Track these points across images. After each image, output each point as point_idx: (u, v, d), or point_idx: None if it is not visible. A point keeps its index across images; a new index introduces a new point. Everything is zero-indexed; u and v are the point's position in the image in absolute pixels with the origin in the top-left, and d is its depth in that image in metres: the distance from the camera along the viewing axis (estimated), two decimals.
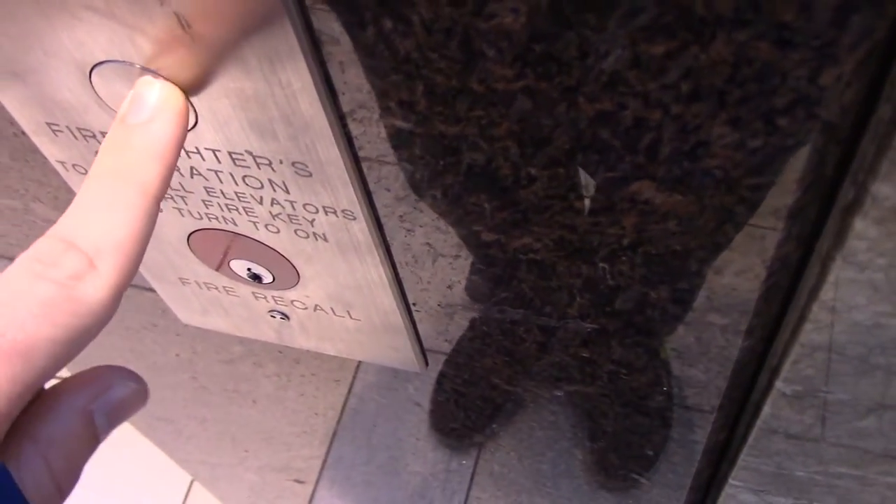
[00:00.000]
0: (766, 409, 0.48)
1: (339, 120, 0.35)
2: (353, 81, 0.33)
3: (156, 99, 0.32)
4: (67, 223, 0.29)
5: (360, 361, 0.64)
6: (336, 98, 0.34)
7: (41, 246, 0.28)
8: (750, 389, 0.49)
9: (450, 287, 0.45)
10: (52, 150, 0.43)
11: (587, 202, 0.36)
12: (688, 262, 0.37)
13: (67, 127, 0.41)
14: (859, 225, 0.32)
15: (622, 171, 0.33)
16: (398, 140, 0.35)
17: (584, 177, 0.34)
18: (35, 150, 0.46)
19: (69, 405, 0.26)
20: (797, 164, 0.31)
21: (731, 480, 0.59)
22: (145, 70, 0.35)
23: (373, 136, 0.36)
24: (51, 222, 0.51)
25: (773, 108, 0.28)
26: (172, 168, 0.31)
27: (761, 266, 0.36)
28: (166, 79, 0.34)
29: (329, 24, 0.31)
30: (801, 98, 0.28)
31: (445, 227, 0.40)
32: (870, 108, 0.29)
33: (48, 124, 0.41)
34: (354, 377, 0.66)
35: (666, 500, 0.66)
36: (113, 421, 0.27)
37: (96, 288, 0.26)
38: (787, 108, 0.28)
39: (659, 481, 0.62)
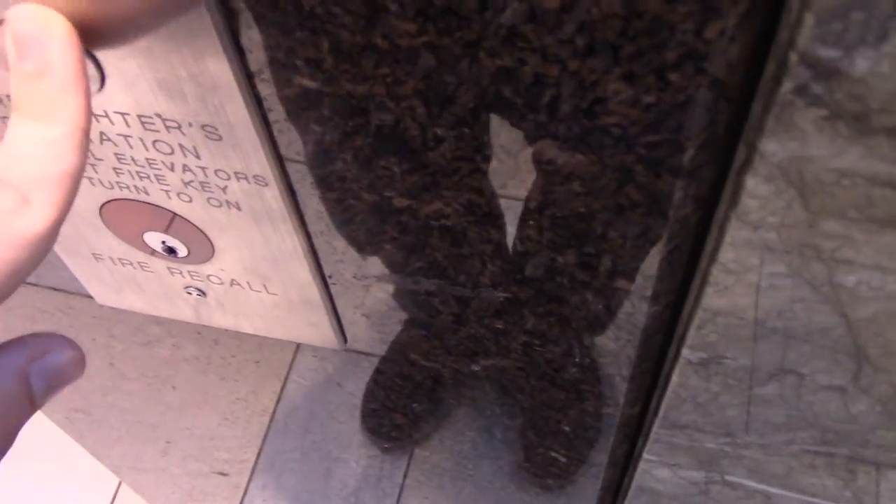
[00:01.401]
0: (675, 378, 0.49)
1: (248, 80, 0.35)
2: (260, 39, 0.33)
3: (38, 34, 0.30)
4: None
5: (288, 346, 0.63)
6: (244, 56, 0.34)
7: None
8: (661, 359, 0.50)
9: (365, 258, 0.45)
10: None
11: (491, 164, 0.36)
12: (592, 225, 0.38)
13: None
14: (750, 183, 0.34)
15: (525, 130, 0.34)
16: (306, 101, 0.36)
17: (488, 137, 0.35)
18: None
19: (6, 364, 0.26)
20: (690, 122, 0.32)
21: (645, 455, 0.60)
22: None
23: (280, 98, 0.36)
24: None
25: (663, 62, 0.29)
26: (87, 91, 0.30)
27: (662, 226, 0.37)
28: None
29: None
30: (688, 52, 0.29)
31: (357, 192, 0.40)
32: (759, 68, 0.31)
33: None
34: (289, 369, 0.66)
35: (584, 477, 0.67)
36: (51, 387, 0.27)
37: (33, 222, 0.26)
38: (676, 63, 0.29)
39: (576, 458, 0.63)
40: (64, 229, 0.49)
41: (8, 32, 0.30)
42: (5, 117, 0.42)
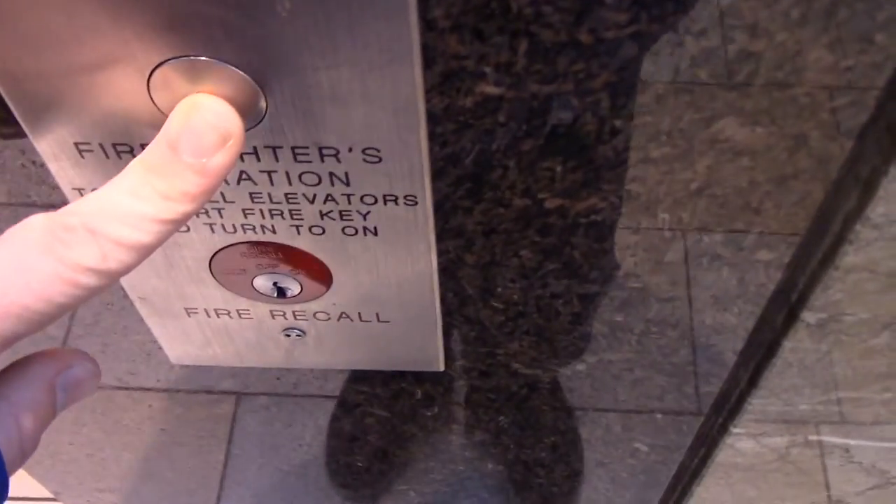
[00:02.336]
0: (787, 344, 0.51)
1: (425, 95, 0.35)
2: (450, 49, 0.33)
3: (214, 137, 0.31)
4: (100, 209, 0.29)
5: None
6: (429, 69, 0.34)
7: (66, 220, 0.28)
8: (769, 328, 0.51)
9: (496, 264, 0.45)
10: (71, 175, 0.39)
11: (664, 150, 0.37)
12: (750, 199, 0.40)
13: (100, 144, 0.38)
14: None
15: (711, 111, 0.35)
16: (484, 109, 0.35)
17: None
18: (41, 183, 0.42)
19: (39, 374, 0.28)
20: (880, 82, 0.33)
21: (732, 429, 0.62)
22: (215, 63, 0.33)
23: (453, 109, 0.36)
24: None
25: (872, 26, 0.31)
26: (215, 191, 0.31)
27: (821, 190, 0.39)
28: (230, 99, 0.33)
29: None
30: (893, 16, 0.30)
31: (509, 200, 0.40)
32: None
33: (76, 144, 0.38)
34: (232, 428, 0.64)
35: (662, 467, 0.68)
36: (71, 397, 0.29)
37: (97, 279, 0.28)
38: (885, 24, 0.31)
39: (660, 445, 0.64)
40: (158, 287, 0.47)
41: (184, 112, 0.30)
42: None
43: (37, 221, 0.28)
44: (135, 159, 0.30)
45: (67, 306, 0.27)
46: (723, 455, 0.65)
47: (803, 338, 0.50)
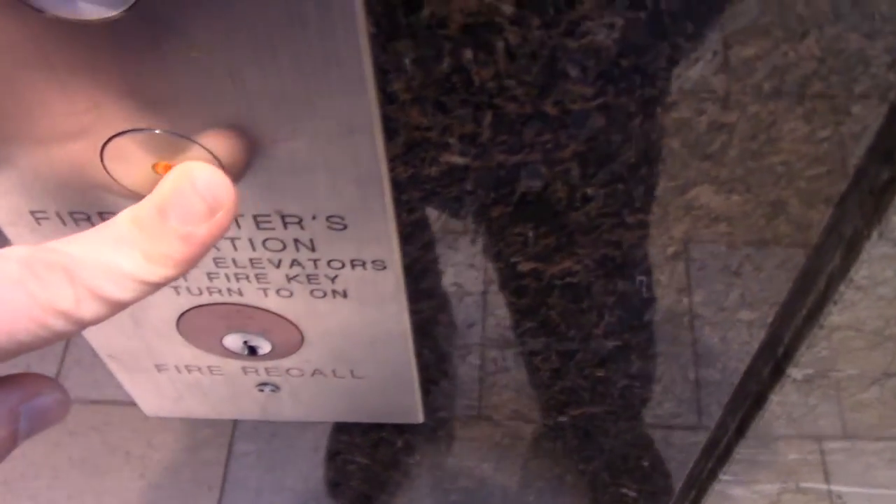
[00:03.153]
0: (774, 397, 0.50)
1: (389, 164, 0.34)
2: (412, 121, 0.32)
3: (203, 207, 0.29)
4: (84, 255, 0.27)
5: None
6: (391, 140, 0.33)
7: (48, 257, 0.26)
8: (755, 381, 0.50)
9: (470, 326, 0.44)
10: (28, 240, 0.38)
11: (639, 216, 0.36)
12: (729, 262, 0.38)
13: (57, 213, 0.36)
14: None
15: (684, 179, 0.34)
16: (450, 178, 0.34)
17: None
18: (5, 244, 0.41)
19: (1, 400, 0.27)
20: (857, 150, 0.32)
21: (721, 476, 0.61)
22: (168, 136, 0.32)
23: (418, 178, 0.35)
24: None
25: (849, 97, 0.30)
26: (200, 259, 0.29)
27: (802, 255, 0.38)
28: (212, 154, 0.31)
29: (398, 59, 0.29)
30: (876, 85, 0.29)
31: (480, 264, 0.39)
32: None
33: (32, 213, 0.36)
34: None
35: None
36: (34, 427, 0.28)
37: (65, 324, 0.26)
38: (863, 95, 0.30)
39: (648, 490, 0.63)
40: (126, 345, 0.46)
41: (174, 178, 0.29)
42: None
43: (17, 252, 0.26)
44: (126, 210, 0.29)
45: (28, 346, 0.26)
46: (712, 500, 0.64)
47: (790, 392, 0.49)
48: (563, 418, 0.53)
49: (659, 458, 0.57)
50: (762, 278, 0.39)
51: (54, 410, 0.28)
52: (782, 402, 0.50)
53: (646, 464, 0.58)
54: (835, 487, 0.61)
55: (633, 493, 0.63)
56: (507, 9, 0.27)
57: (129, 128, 0.32)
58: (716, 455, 0.59)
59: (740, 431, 0.55)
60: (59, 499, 0.70)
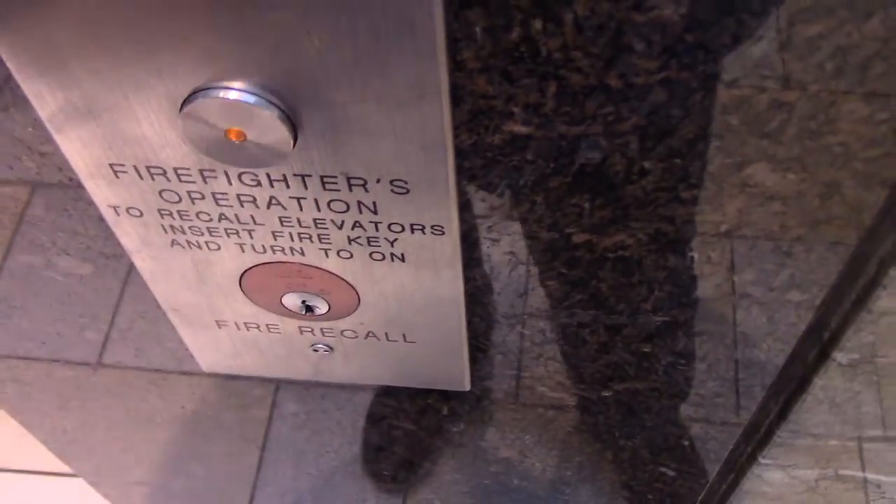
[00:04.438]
0: (818, 381, 0.50)
1: (453, 131, 0.35)
2: (479, 89, 0.33)
3: None
4: None
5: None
6: (457, 107, 0.34)
7: None
8: (800, 364, 0.51)
9: (521, 296, 0.45)
10: (106, 193, 0.40)
11: (696, 192, 0.37)
12: (781, 242, 0.39)
13: (134, 166, 0.38)
14: None
15: (741, 156, 0.35)
16: (511, 147, 0.35)
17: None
18: (77, 199, 0.43)
19: None
20: None
21: (760, 459, 0.61)
22: (243, 97, 0.33)
23: (481, 146, 0.36)
24: (72, 275, 0.48)
25: None
26: None
27: (854, 236, 0.38)
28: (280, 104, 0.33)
29: (469, 27, 0.31)
30: None
31: (535, 233, 0.40)
32: None
33: (111, 165, 0.38)
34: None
35: (685, 489, 0.68)
36: None
37: None
38: None
39: (687, 471, 0.64)
40: (190, 299, 0.48)
41: None
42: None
43: None
44: None
45: None
46: (750, 484, 0.64)
47: (834, 376, 0.49)
48: (606, 393, 0.54)
49: (702, 438, 0.58)
50: (813, 260, 0.40)
51: None
52: (826, 387, 0.50)
53: (686, 443, 0.59)
54: (872, 476, 0.61)
55: (671, 472, 0.64)
56: None
57: (209, 87, 0.33)
58: (756, 438, 0.59)
59: (782, 415, 0.55)
60: (115, 451, 0.73)
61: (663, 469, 0.64)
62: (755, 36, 0.29)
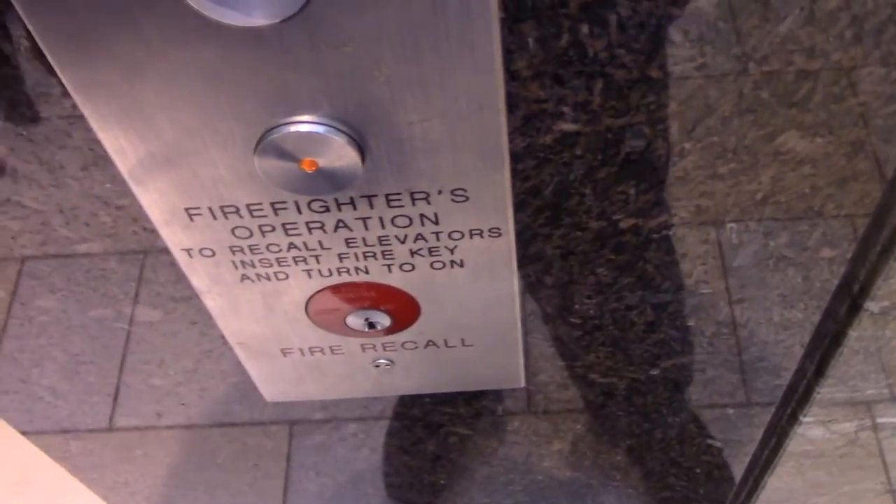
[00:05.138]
0: (852, 333, 0.53)
1: (508, 136, 0.38)
2: (531, 94, 0.36)
3: None
4: None
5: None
6: (510, 114, 0.37)
7: None
8: (833, 319, 0.54)
9: (569, 285, 0.48)
10: (181, 237, 0.43)
11: (731, 166, 0.40)
12: (813, 203, 0.42)
13: (209, 208, 0.41)
14: None
15: (773, 127, 0.38)
16: (561, 144, 0.38)
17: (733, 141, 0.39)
18: (150, 247, 0.46)
19: None
20: None
21: (801, 418, 0.64)
22: (315, 131, 0.36)
23: (533, 147, 0.39)
24: (140, 323, 0.50)
25: None
26: None
27: (879, 189, 0.41)
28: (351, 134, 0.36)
29: (522, 39, 0.34)
30: None
31: (585, 223, 0.43)
32: None
33: (187, 209, 0.41)
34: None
35: (733, 461, 0.71)
36: None
37: None
38: None
39: (733, 439, 0.67)
40: (256, 331, 0.50)
41: None
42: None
43: None
44: None
45: None
46: (794, 444, 0.67)
47: (867, 326, 0.52)
48: (654, 371, 0.57)
49: (745, 405, 0.61)
50: (842, 216, 0.43)
51: None
52: (860, 338, 0.53)
53: (731, 412, 0.62)
54: None
55: (718, 444, 0.67)
56: None
57: (282, 123, 0.36)
58: (795, 398, 0.62)
59: (819, 371, 0.58)
60: (177, 498, 0.75)
61: (710, 441, 0.67)
62: (780, 14, 0.32)
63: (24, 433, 0.64)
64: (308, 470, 0.70)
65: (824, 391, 0.60)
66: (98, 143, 0.37)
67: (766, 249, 0.45)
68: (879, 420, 0.65)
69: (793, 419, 0.65)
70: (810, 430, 0.65)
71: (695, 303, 0.50)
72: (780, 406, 0.63)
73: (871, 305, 0.50)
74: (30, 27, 0.31)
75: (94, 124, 0.36)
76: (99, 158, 0.39)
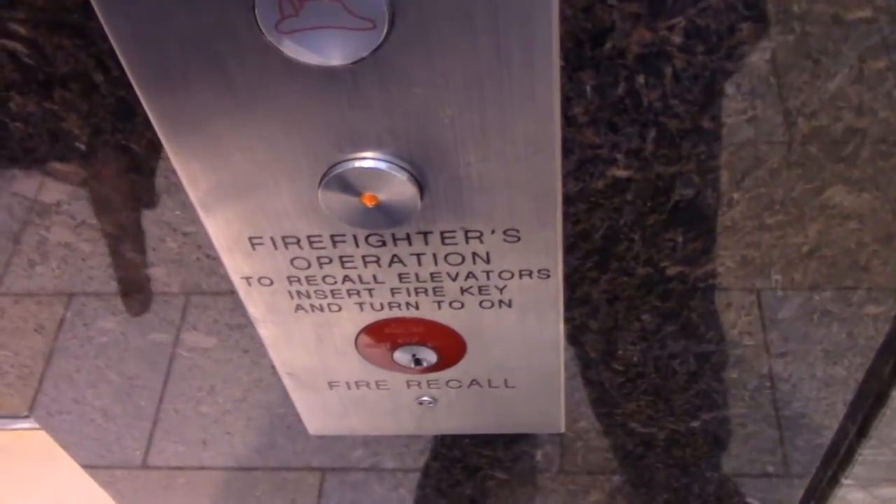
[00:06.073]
0: (894, 394, 0.53)
1: (562, 180, 0.39)
2: (586, 140, 0.38)
3: None
4: None
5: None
6: (565, 158, 0.38)
7: None
8: (877, 378, 0.54)
9: (613, 331, 0.49)
10: (241, 266, 0.44)
11: (778, 218, 0.41)
12: (858, 258, 0.43)
13: (271, 238, 0.43)
14: None
15: (820, 181, 0.39)
16: (613, 190, 0.40)
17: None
18: (211, 274, 0.47)
19: None
20: None
21: (843, 480, 0.64)
22: (377, 168, 0.38)
23: (586, 191, 0.40)
24: (196, 350, 0.52)
25: None
26: None
27: None
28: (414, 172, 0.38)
29: (580, 86, 0.35)
30: None
31: (632, 269, 0.44)
32: None
33: (250, 238, 0.43)
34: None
35: None
36: None
37: None
38: None
39: (772, 499, 0.66)
40: (306, 363, 0.52)
41: None
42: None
43: None
44: None
45: None
46: None
47: None
48: (694, 423, 0.57)
49: (786, 463, 0.61)
50: (888, 272, 0.44)
51: None
52: None
53: (770, 469, 0.62)
54: None
55: (756, 503, 0.67)
56: (677, 39, 0.33)
57: (347, 158, 0.38)
58: (837, 460, 0.62)
59: (862, 432, 0.58)
60: None
61: (749, 500, 0.66)
62: (831, 72, 0.34)
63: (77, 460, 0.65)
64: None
65: (866, 452, 0.59)
66: (172, 171, 0.40)
67: (810, 303, 0.46)
68: None
69: (833, 481, 0.64)
70: (851, 494, 0.65)
71: (738, 354, 0.50)
72: (820, 467, 0.63)
73: None
74: (122, 60, 0.34)
75: (171, 154, 0.39)
76: (171, 185, 0.41)
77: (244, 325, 0.50)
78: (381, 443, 0.62)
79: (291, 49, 0.33)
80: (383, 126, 0.37)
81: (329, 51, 0.33)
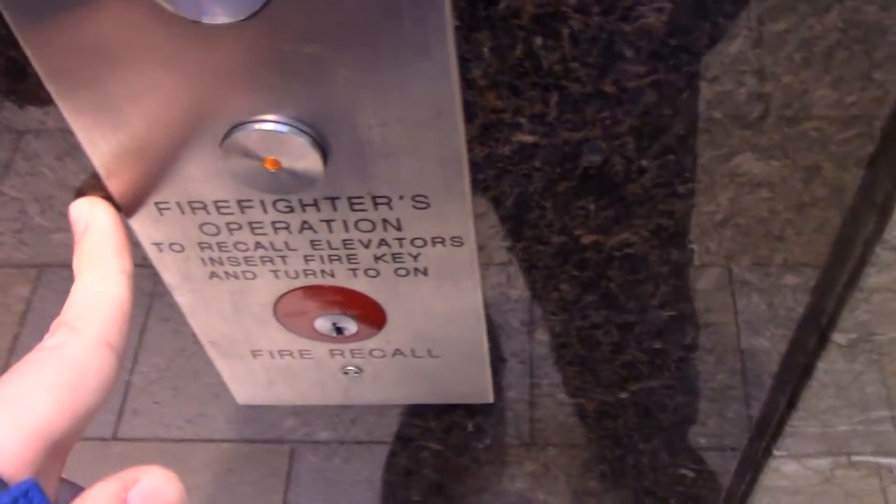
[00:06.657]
0: (820, 365, 0.53)
1: (467, 145, 0.39)
2: (489, 104, 0.37)
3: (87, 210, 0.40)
4: (62, 312, 0.35)
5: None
6: (469, 123, 0.38)
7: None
8: (802, 349, 0.54)
9: (534, 302, 0.48)
10: (150, 232, 0.44)
11: (689, 185, 0.40)
12: (772, 227, 0.43)
13: (177, 202, 0.42)
14: None
15: (728, 148, 0.38)
16: (520, 156, 0.39)
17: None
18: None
19: (103, 492, 0.29)
20: (883, 113, 0.36)
21: (775, 452, 0.64)
22: (278, 129, 0.37)
23: (493, 157, 0.40)
24: None
25: (871, 64, 0.34)
26: (125, 242, 0.39)
27: (838, 216, 0.42)
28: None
29: (477, 48, 0.35)
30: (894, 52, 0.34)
31: (546, 237, 0.44)
32: None
33: (156, 204, 0.42)
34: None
35: (706, 490, 0.70)
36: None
37: (76, 344, 0.33)
38: (881, 63, 0.34)
39: (706, 471, 0.66)
40: (225, 331, 0.51)
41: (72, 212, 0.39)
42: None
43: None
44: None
45: (67, 384, 0.31)
46: (768, 479, 0.67)
47: (836, 359, 0.52)
48: (623, 395, 0.57)
49: (718, 435, 0.61)
50: (804, 242, 0.43)
51: (162, 488, 0.29)
52: (829, 370, 0.53)
53: (703, 441, 0.62)
54: (884, 460, 0.64)
55: (691, 474, 0.67)
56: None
57: (247, 121, 0.37)
58: (769, 431, 0.62)
59: (791, 404, 0.58)
60: None
61: (683, 471, 0.66)
62: (730, 35, 0.33)
63: None
64: (280, 479, 0.71)
65: (796, 424, 0.60)
66: (71, 133, 0.39)
67: (726, 273, 0.45)
68: (854, 458, 0.64)
69: (767, 453, 0.64)
70: (784, 465, 0.65)
71: (660, 325, 0.50)
72: (753, 439, 0.63)
73: (839, 337, 0.50)
74: (4, 13, 0.32)
75: (67, 114, 0.38)
76: (72, 148, 0.40)
77: (162, 293, 0.49)
78: (312, 412, 0.61)
79: (173, 3, 0.32)
80: (280, 88, 0.36)
81: (212, 7, 0.32)
